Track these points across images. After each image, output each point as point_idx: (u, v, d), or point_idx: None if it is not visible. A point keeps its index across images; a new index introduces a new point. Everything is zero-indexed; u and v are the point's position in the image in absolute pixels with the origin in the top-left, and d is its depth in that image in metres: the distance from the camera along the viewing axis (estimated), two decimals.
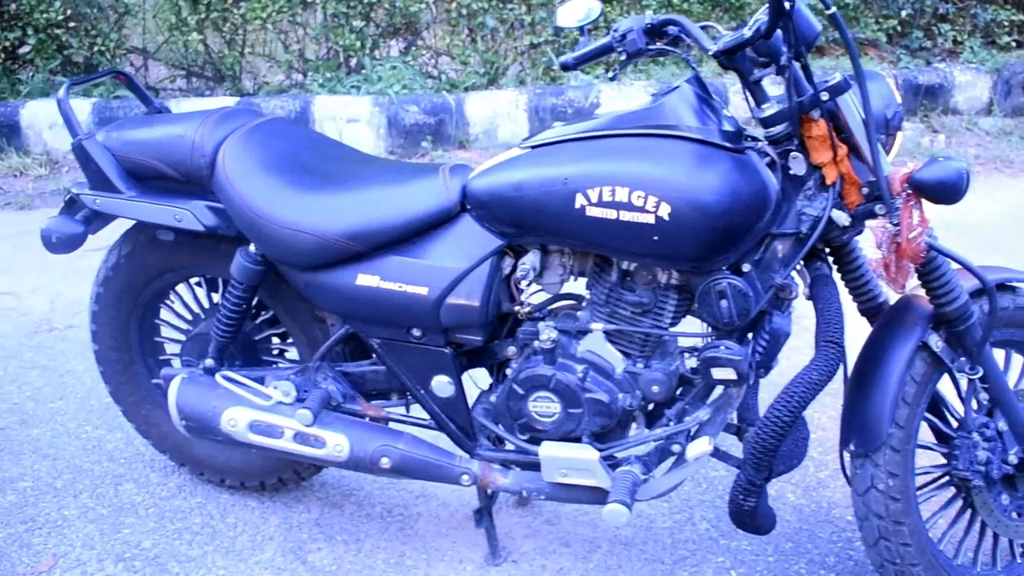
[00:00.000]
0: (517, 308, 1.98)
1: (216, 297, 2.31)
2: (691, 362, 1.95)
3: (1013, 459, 1.93)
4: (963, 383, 1.95)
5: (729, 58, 1.75)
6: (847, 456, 1.90)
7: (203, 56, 5.06)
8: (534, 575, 2.18)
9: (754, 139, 1.81)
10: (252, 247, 2.02)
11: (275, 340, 2.34)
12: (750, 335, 1.90)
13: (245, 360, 2.26)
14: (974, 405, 1.96)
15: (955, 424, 1.98)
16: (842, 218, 1.77)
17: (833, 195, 1.76)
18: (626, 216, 1.73)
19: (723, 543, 2.29)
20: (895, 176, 1.74)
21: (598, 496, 1.98)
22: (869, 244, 1.85)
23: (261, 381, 2.13)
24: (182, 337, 2.36)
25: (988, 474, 1.90)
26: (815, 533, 2.33)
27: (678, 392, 1.98)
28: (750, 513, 1.82)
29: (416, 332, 1.98)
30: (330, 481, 2.51)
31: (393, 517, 2.38)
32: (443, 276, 1.91)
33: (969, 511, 2.01)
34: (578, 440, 1.99)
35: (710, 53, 1.74)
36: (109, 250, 2.26)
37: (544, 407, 1.96)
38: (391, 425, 2.15)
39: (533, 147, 1.88)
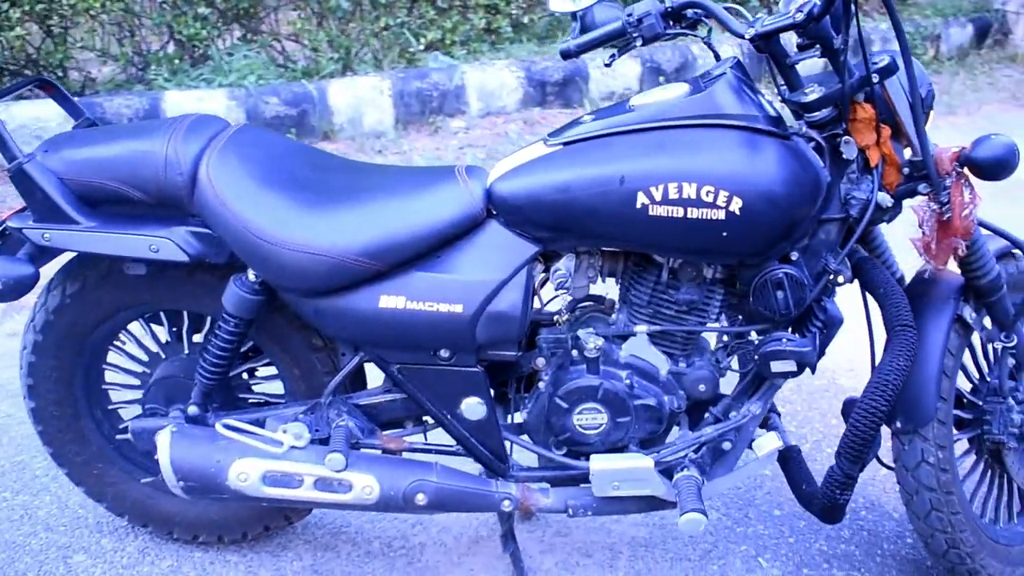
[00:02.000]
0: (556, 317, 1.85)
1: (164, 334, 2.02)
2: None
3: None
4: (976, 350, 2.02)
5: (767, 42, 1.68)
6: (891, 434, 1.91)
7: (22, 54, 4.44)
8: None
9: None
10: (250, 274, 1.77)
11: (243, 375, 2.07)
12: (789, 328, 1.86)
13: (222, 402, 1.99)
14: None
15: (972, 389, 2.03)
16: (885, 200, 1.74)
17: (878, 177, 1.73)
18: (694, 213, 1.63)
19: (739, 531, 2.26)
20: (942, 155, 1.73)
21: (648, 505, 1.89)
22: (902, 223, 1.86)
23: (260, 425, 1.88)
24: (136, 382, 2.05)
25: (1022, 435, 1.96)
26: None
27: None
28: (842, 506, 1.79)
29: (444, 353, 1.80)
30: (312, 521, 2.27)
31: (395, 551, 2.19)
32: (478, 290, 1.74)
33: (990, 472, 2.07)
34: (623, 449, 1.89)
35: (746, 37, 1.66)
36: (46, 289, 1.92)
37: (589, 419, 1.84)
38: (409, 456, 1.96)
39: (565, 144, 1.74)
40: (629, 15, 1.77)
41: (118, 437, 2.07)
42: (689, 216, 1.63)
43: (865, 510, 2.31)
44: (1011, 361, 1.97)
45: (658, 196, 1.63)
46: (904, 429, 1.85)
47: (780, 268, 1.73)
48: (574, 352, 1.85)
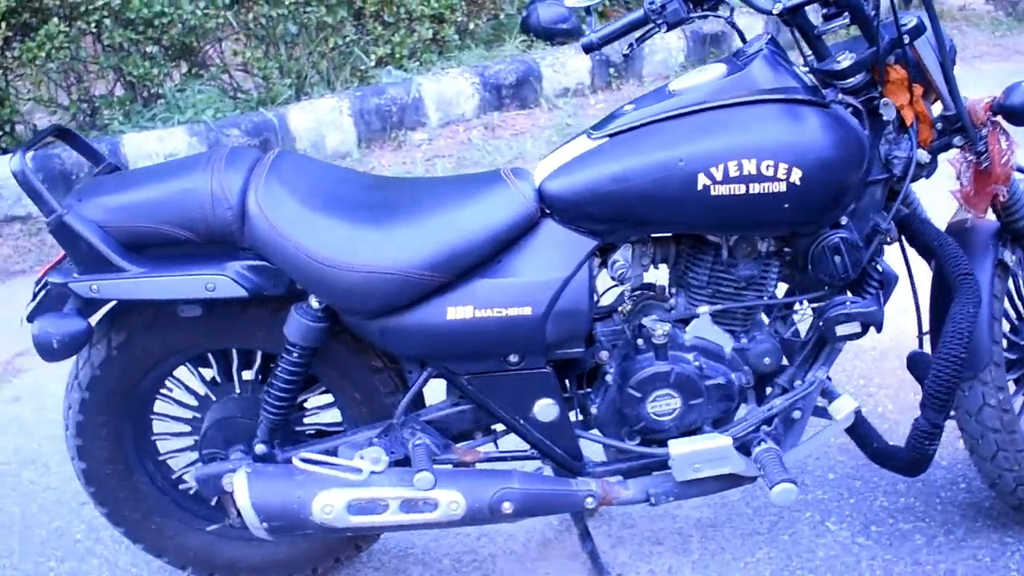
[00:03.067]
0: (620, 308, 1.86)
1: (211, 375, 1.97)
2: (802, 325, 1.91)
3: None
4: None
5: (794, 15, 1.70)
6: None
7: None
8: None
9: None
10: (313, 301, 1.73)
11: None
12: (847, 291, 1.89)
13: (282, 439, 1.94)
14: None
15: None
16: (923, 156, 1.78)
17: (914, 135, 1.77)
18: (756, 188, 1.65)
19: (800, 498, 2.29)
20: (975, 107, 1.78)
21: (727, 483, 1.90)
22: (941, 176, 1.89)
23: (332, 455, 1.84)
24: (187, 428, 2.00)
25: None
26: (875, 467, 2.18)
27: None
28: (931, 457, 1.82)
29: (513, 358, 1.78)
30: (378, 548, 2.22)
31: (466, 566, 2.16)
32: (544, 290, 1.73)
33: None
34: (696, 432, 1.89)
35: (774, 12, 1.69)
36: (89, 345, 1.86)
37: (663, 405, 1.85)
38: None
39: (611, 135, 1.75)
40: (651, 2, 1.78)
41: (179, 488, 2.02)
42: (751, 191, 1.65)
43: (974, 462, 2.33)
44: None
45: (719, 175, 1.64)
46: (964, 376, 1.89)
47: (834, 233, 1.75)
48: (638, 341, 1.85)
